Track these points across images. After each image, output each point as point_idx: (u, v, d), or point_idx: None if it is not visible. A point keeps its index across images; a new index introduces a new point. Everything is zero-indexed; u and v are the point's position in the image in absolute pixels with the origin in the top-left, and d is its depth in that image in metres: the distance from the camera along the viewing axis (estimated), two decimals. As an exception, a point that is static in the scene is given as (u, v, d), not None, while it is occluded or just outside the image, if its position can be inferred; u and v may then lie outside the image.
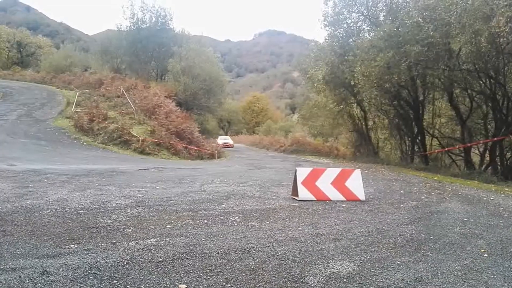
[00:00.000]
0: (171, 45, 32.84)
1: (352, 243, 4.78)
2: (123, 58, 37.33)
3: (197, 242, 4.58)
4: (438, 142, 19.80)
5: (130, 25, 34.94)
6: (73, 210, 5.81)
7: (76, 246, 4.23)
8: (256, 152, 30.97)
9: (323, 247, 4.57)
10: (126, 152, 17.34)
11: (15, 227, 4.87)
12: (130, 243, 4.40)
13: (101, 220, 5.33)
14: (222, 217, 5.84)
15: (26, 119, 19.95)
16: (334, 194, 7.43)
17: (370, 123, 22.92)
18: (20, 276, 3.36)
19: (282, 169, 13.76)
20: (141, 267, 3.68)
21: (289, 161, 17.59)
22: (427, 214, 6.63)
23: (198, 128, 23.97)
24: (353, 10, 19.67)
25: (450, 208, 7.24)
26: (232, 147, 36.38)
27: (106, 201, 6.49)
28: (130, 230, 4.92)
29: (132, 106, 23.19)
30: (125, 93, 25.69)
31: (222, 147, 31.62)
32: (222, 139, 39.08)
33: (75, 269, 3.58)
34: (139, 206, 6.27)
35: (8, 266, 3.61)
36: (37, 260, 3.79)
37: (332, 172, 7.67)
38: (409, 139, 19.63)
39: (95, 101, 24.41)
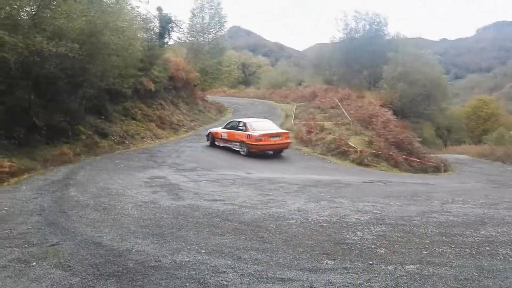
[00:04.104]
0: (385, 52, 31.65)
1: None
2: (335, 70, 38.38)
3: (469, 277, 3.82)
4: None
5: (343, 36, 35.65)
6: (315, 221, 5.87)
7: (332, 263, 4.13)
8: (489, 165, 26.20)
9: None
10: (345, 163, 17.36)
11: (270, 234, 5.19)
12: (388, 267, 4.02)
13: (347, 236, 5.15)
14: (487, 247, 4.81)
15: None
16: None
17: None
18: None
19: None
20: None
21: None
22: None
23: (419, 138, 22.05)
24: None
25: None
26: None
27: (344, 215, 6.34)
28: (383, 252, 4.54)
29: (348, 116, 23.28)
30: (339, 103, 26.12)
31: None
32: None
33: (339, 289, 3.43)
34: (381, 224, 5.85)
35: (276, 276, 3.75)
36: (300, 272, 3.83)
37: None
38: None
39: (311, 113, 25.64)
